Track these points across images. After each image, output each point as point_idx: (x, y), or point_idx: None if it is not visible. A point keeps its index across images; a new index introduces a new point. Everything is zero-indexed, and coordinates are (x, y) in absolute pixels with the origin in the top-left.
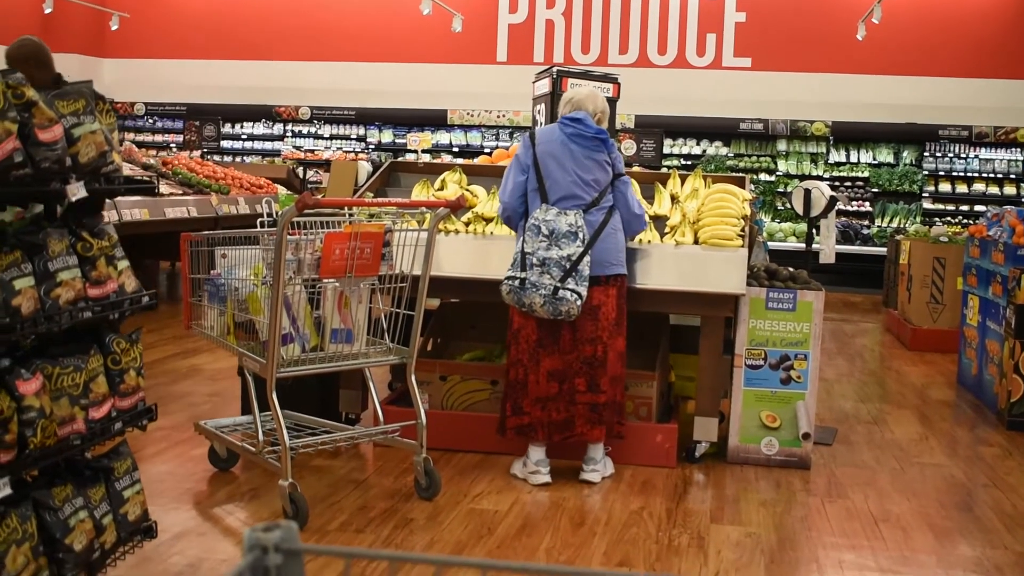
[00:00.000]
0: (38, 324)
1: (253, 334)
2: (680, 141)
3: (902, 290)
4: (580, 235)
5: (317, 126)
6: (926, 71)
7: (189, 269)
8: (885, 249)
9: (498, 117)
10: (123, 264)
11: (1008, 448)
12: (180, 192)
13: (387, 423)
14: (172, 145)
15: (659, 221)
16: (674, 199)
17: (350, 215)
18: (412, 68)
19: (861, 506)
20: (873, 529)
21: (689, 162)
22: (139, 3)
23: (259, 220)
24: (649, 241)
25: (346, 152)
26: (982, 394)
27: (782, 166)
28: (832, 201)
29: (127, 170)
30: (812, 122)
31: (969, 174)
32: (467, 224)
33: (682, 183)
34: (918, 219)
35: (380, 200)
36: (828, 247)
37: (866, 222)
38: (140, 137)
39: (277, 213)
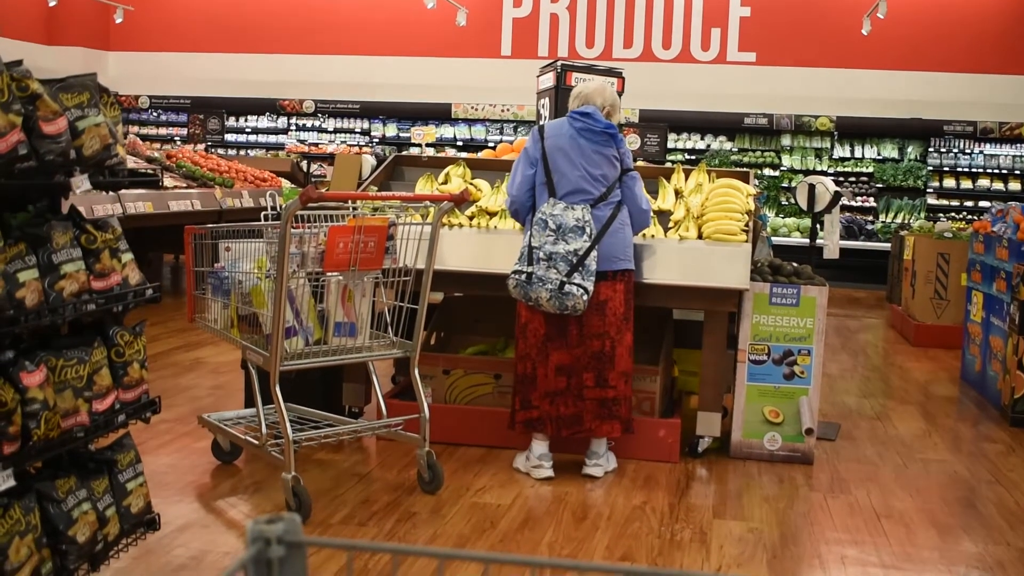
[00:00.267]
0: (42, 316)
1: (257, 327)
2: (684, 136)
3: (906, 286)
4: (587, 230)
5: (321, 120)
6: (931, 66)
7: (193, 262)
8: (889, 245)
9: (502, 111)
10: (127, 257)
11: (1011, 445)
12: (184, 185)
13: (390, 417)
14: (176, 138)
15: (663, 216)
16: (678, 194)
17: (354, 209)
18: (416, 62)
19: (864, 502)
20: (876, 525)
21: (693, 157)
22: None
23: (263, 213)
24: (653, 236)
25: (350, 146)
26: (986, 390)
27: (786, 161)
28: (836, 196)
29: (131, 163)
30: (816, 117)
31: (974, 170)
32: (471, 218)
33: (686, 178)
34: (922, 215)
35: (384, 194)
36: (832, 242)
37: (870, 218)
38: (144, 130)
39: (281, 207)
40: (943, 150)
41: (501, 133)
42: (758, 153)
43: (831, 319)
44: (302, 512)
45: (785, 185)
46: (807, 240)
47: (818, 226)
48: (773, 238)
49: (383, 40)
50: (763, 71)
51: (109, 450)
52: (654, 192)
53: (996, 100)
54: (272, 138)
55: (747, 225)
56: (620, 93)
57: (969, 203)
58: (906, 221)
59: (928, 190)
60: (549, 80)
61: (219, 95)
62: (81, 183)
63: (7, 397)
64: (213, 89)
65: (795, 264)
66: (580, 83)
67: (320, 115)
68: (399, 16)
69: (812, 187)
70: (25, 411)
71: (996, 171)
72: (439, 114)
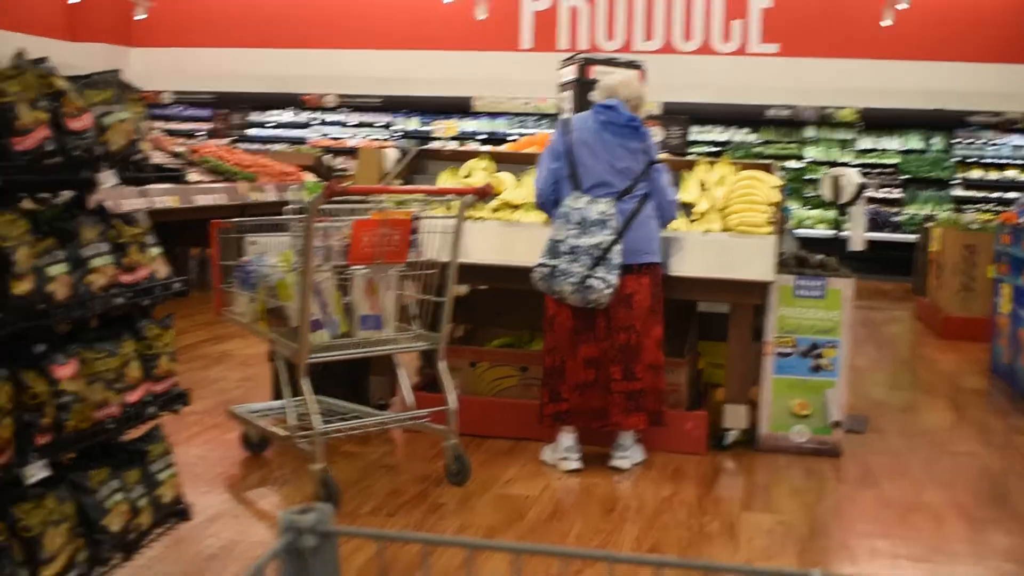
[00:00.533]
0: (72, 310)
1: (283, 320)
2: (707, 128)
3: (933, 278)
4: (611, 223)
5: (344, 114)
6: (956, 56)
7: (219, 256)
8: (915, 236)
9: (524, 104)
10: (155, 251)
11: None
12: (209, 180)
13: (417, 409)
14: (200, 134)
15: (686, 208)
16: (702, 186)
17: (378, 202)
18: (437, 56)
19: (893, 494)
20: (905, 518)
21: (716, 149)
22: None
23: (287, 207)
24: (677, 229)
25: (373, 140)
26: (1015, 382)
27: (810, 153)
28: (861, 187)
29: (157, 159)
30: (840, 108)
31: (1000, 160)
32: (494, 211)
33: (710, 170)
34: (949, 206)
35: (408, 187)
36: (858, 234)
37: (896, 209)
38: (168, 126)
39: (305, 201)
40: (969, 141)
41: (523, 126)
42: (781, 145)
43: (857, 311)
44: (331, 503)
45: (809, 177)
46: (832, 232)
47: (843, 218)
48: (797, 230)
49: (404, 34)
50: (786, 62)
51: (140, 441)
52: (677, 185)
53: (1023, 90)
54: (295, 132)
55: (773, 217)
56: None
57: (995, 194)
58: (932, 213)
59: (954, 181)
60: (571, 73)
61: (242, 90)
62: (107, 178)
63: (40, 390)
64: (236, 84)
65: (821, 256)
66: (606, 76)
67: (343, 109)
68: (420, 10)
69: (837, 179)
70: (57, 403)
71: (1023, 162)
72: (461, 107)
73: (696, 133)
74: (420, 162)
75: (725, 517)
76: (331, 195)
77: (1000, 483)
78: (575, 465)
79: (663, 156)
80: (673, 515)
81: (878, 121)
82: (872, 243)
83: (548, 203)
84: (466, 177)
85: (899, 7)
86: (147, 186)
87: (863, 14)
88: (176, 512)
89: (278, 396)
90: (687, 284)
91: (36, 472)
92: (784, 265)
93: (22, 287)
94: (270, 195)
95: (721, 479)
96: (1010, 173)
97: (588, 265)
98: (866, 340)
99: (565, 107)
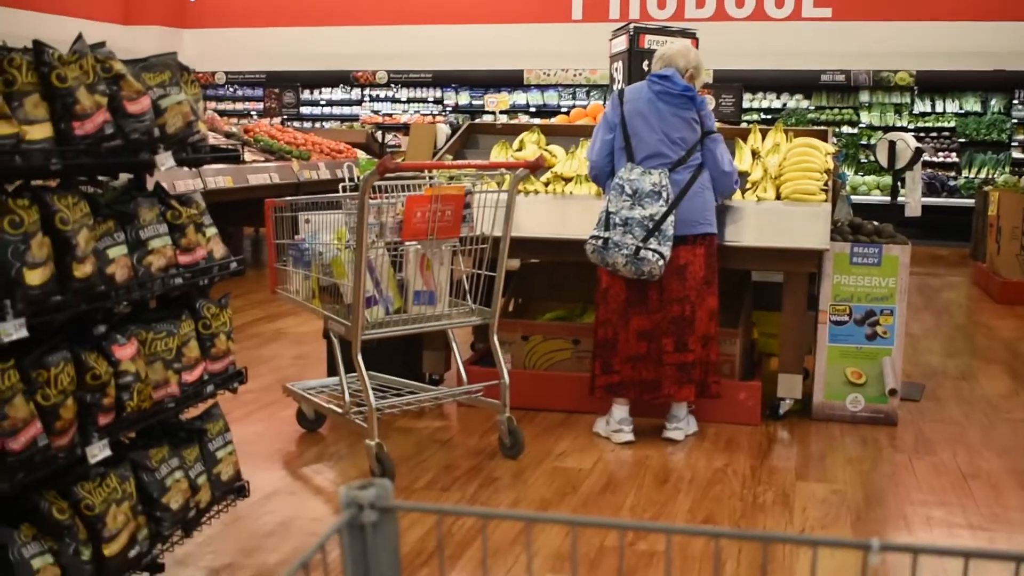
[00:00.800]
0: (132, 291)
1: (337, 297)
2: (760, 95)
3: (991, 242)
4: (664, 194)
5: (394, 90)
6: (1014, 16)
7: (274, 235)
8: (973, 201)
9: (575, 76)
10: (211, 231)
11: None
12: (262, 159)
13: (470, 383)
14: (253, 113)
15: (740, 177)
16: (755, 154)
17: (430, 178)
18: (487, 29)
19: (950, 463)
20: (962, 486)
21: (769, 116)
22: None
23: (340, 185)
24: (731, 198)
25: (424, 115)
26: None
27: (865, 118)
28: (918, 153)
29: (211, 139)
30: (896, 72)
31: None
32: (546, 184)
33: (763, 138)
34: (1007, 169)
35: (459, 162)
36: (914, 200)
37: (953, 173)
38: (221, 106)
39: (358, 178)
40: None
41: (574, 98)
42: (836, 111)
43: (913, 278)
44: (386, 478)
45: (864, 143)
46: (888, 198)
47: (899, 184)
48: (852, 197)
49: (453, 8)
50: (839, 26)
51: (199, 420)
52: (733, 154)
53: None
54: (346, 110)
55: (826, 184)
56: None
57: None
58: (990, 176)
59: (1013, 144)
60: (622, 43)
61: (293, 69)
62: (165, 160)
63: (101, 370)
64: (287, 63)
65: (876, 223)
66: (663, 45)
67: (393, 85)
68: None
69: (892, 144)
70: (118, 383)
71: None
72: (511, 81)
73: (749, 101)
74: (471, 136)
75: (779, 487)
76: (384, 172)
77: None
78: (628, 437)
79: (716, 125)
80: (727, 486)
81: (934, 84)
82: (928, 208)
83: (602, 175)
84: (518, 151)
85: None
86: (202, 167)
87: None
88: (234, 489)
89: (332, 373)
90: (741, 253)
91: (98, 451)
92: (839, 232)
93: (83, 270)
94: (323, 173)
95: (775, 449)
96: None
97: (641, 237)
98: (922, 307)
99: (617, 78)
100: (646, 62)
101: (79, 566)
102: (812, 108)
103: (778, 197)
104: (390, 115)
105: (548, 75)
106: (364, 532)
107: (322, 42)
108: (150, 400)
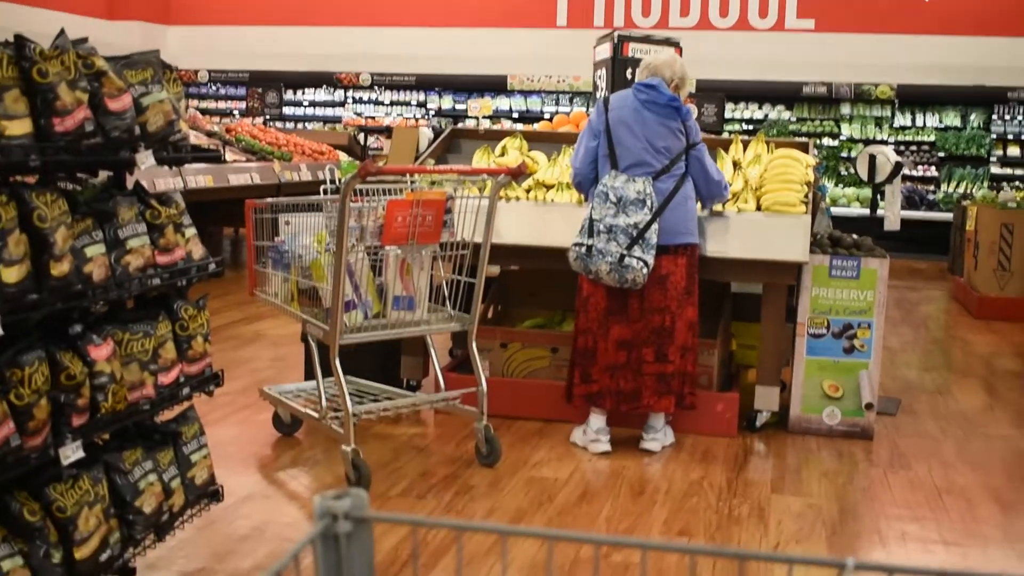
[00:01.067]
0: (109, 291)
1: (316, 300)
2: (742, 105)
3: (968, 257)
4: (648, 203)
5: (378, 92)
6: (995, 31)
7: (253, 236)
8: (951, 215)
9: (558, 82)
10: (190, 232)
11: None
12: (243, 159)
13: (448, 390)
14: (235, 112)
15: None
16: (736, 165)
17: (412, 182)
18: (472, 33)
19: (925, 477)
20: (937, 501)
21: (751, 126)
22: None
23: (322, 187)
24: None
25: (407, 118)
26: None
27: (846, 130)
28: (897, 166)
29: (192, 138)
30: (877, 85)
31: None
32: (528, 191)
33: (744, 148)
34: (985, 184)
35: (442, 167)
36: (893, 213)
37: (932, 187)
38: (203, 104)
39: (339, 180)
40: (1007, 117)
41: (557, 104)
42: (817, 122)
43: (892, 291)
44: (362, 484)
45: (845, 155)
46: (867, 211)
47: (879, 197)
48: (832, 209)
49: (438, 11)
50: (822, 38)
51: (174, 422)
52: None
53: None
54: (329, 111)
55: (806, 196)
56: None
57: None
58: (969, 191)
59: (991, 159)
60: (606, 51)
61: (277, 68)
62: (146, 159)
63: (76, 370)
64: (271, 63)
65: (855, 236)
66: (649, 54)
67: (377, 88)
68: None
69: (873, 157)
70: (93, 384)
71: None
72: (495, 86)
73: (731, 111)
74: (454, 141)
75: (755, 500)
76: (366, 175)
77: None
78: (605, 447)
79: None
80: (703, 498)
81: (915, 98)
82: (907, 222)
83: (585, 182)
84: (500, 156)
85: None
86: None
87: None
88: (208, 493)
89: (310, 377)
90: (720, 264)
91: (71, 453)
92: (818, 245)
93: (60, 268)
94: (304, 175)
95: (751, 461)
96: None
97: (625, 244)
98: (900, 321)
99: (600, 85)
100: (629, 70)
101: (49, 569)
102: (794, 119)
103: (759, 208)
104: (373, 117)
105: (532, 81)
106: (338, 542)
107: (306, 42)
108: (125, 401)
